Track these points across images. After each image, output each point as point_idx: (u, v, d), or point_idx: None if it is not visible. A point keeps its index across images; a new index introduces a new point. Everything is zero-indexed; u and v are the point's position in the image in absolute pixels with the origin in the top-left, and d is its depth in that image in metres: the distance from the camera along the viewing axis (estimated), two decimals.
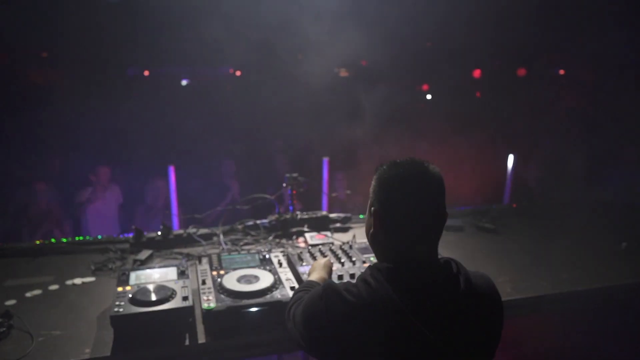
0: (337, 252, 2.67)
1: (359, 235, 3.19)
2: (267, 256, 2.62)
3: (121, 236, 3.18)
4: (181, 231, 3.15)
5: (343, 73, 19.23)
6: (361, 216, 3.69)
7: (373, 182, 1.56)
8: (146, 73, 17.79)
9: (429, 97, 13.23)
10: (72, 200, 5.57)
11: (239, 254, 2.67)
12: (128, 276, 2.40)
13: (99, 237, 3.17)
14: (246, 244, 3.08)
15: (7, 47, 14.41)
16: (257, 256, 2.64)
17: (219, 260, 2.56)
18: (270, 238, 3.17)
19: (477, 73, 13.55)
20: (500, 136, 8.35)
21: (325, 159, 4.66)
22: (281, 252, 2.74)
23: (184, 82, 17.47)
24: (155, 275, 2.42)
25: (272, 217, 3.34)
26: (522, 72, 11.50)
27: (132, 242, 3.01)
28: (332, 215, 3.48)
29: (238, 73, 18.70)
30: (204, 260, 2.59)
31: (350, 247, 2.77)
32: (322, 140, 7.77)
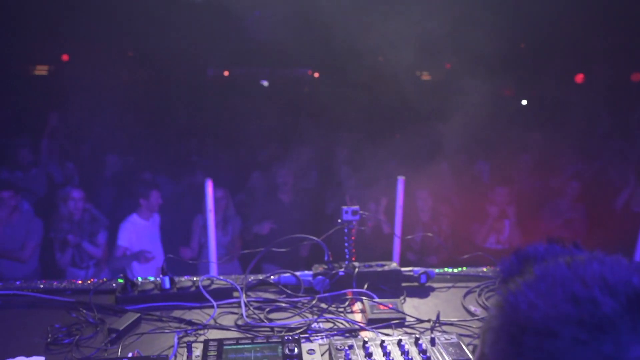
0: (408, 350, 1.57)
1: (445, 306, 2.07)
2: (295, 350, 1.58)
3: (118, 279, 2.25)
4: (189, 281, 2.16)
5: (425, 76, 17.81)
6: (457, 270, 2.53)
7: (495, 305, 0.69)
8: (226, 73, 17.46)
9: (524, 102, 11.62)
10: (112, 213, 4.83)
11: (253, 344, 1.64)
12: None
13: (78, 282, 2.26)
14: (277, 308, 2.05)
15: (95, 46, 14.47)
16: (279, 349, 1.60)
17: (220, 354, 1.55)
18: (314, 302, 2.10)
19: (579, 78, 11.70)
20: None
21: (401, 179, 3.53)
22: (323, 336, 1.69)
23: (264, 83, 16.97)
24: None
25: (319, 268, 2.28)
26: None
27: (118, 293, 2.07)
28: (406, 269, 2.34)
29: (316, 75, 17.90)
30: (197, 350, 1.59)
31: (433, 342, 1.65)
32: (397, 149, 6.59)
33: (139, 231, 4.56)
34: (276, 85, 16.35)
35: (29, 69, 15.07)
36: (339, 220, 2.35)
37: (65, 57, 14.83)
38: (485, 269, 2.53)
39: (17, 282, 2.22)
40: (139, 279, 2.25)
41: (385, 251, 3.86)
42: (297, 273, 2.26)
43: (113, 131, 7.46)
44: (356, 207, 2.34)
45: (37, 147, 6.30)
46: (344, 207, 2.34)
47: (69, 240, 4.40)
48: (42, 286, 2.20)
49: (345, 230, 2.34)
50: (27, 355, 1.72)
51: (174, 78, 14.73)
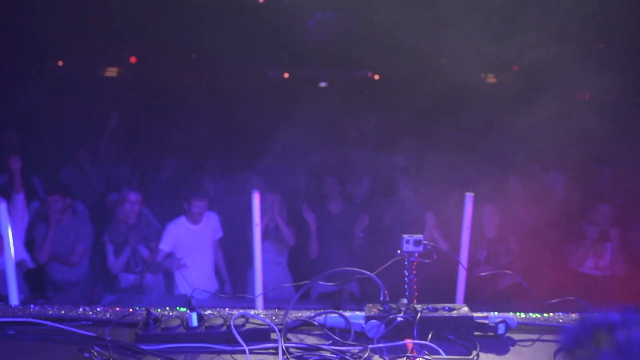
0: None
1: None
2: None
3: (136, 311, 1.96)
4: (220, 319, 1.83)
5: (490, 79, 16.87)
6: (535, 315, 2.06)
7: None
8: (286, 75, 17.36)
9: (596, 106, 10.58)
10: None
11: None
12: None
13: (99, 311, 1.98)
14: (322, 359, 1.69)
15: (161, 48, 14.76)
16: None
17: None
18: (367, 354, 1.71)
19: None
20: None
21: (470, 195, 3.07)
22: None
23: (322, 84, 16.72)
24: None
25: (373, 309, 1.89)
26: None
27: (139, 330, 1.78)
28: (479, 316, 1.89)
29: (377, 77, 17.42)
30: None
31: None
32: (459, 157, 6.03)
33: (185, 235, 4.33)
34: (335, 87, 16.02)
35: (99, 71, 15.59)
36: (398, 252, 1.94)
37: (133, 59, 15.25)
38: (577, 316, 2.04)
39: (36, 307, 1.99)
40: (165, 310, 1.95)
41: (446, 279, 3.40)
42: (347, 314, 1.87)
43: (172, 133, 7.40)
44: (419, 237, 1.93)
45: (97, 147, 6.31)
46: (405, 236, 1.94)
47: (127, 243, 4.23)
48: (62, 312, 1.95)
49: (406, 264, 1.93)
50: None
51: (235, 80, 14.80)
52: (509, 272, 3.10)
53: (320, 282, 1.98)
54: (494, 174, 5.83)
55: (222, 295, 3.26)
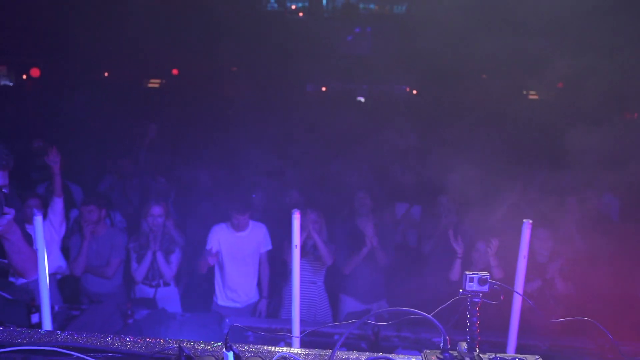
0: None
1: None
2: None
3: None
4: (258, 359, 1.63)
5: (532, 96, 16.30)
6: None
7: None
8: (323, 89, 17.29)
9: None
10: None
11: None
12: None
13: (128, 342, 1.81)
14: None
15: (204, 61, 14.93)
16: None
17: None
18: None
19: None
20: None
21: (527, 222, 2.79)
22: None
23: (361, 99, 16.56)
24: None
25: (431, 357, 1.65)
26: None
27: None
28: None
29: (415, 92, 17.14)
30: None
31: None
32: (506, 176, 5.68)
33: (227, 241, 4.17)
34: (373, 102, 15.84)
35: (143, 82, 15.94)
36: (460, 291, 1.71)
37: (175, 72, 15.53)
38: None
39: (63, 334, 1.84)
40: (199, 344, 1.76)
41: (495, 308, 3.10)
42: (400, 357, 1.65)
43: (208, 145, 7.34)
44: (485, 275, 1.69)
45: (136, 158, 6.29)
46: (468, 274, 1.69)
47: (147, 254, 4.11)
48: (90, 341, 1.79)
49: (469, 305, 1.69)
50: None
51: (274, 93, 14.83)
52: (586, 318, 2.77)
53: (369, 321, 1.74)
54: (548, 195, 5.48)
55: (262, 332, 3.05)
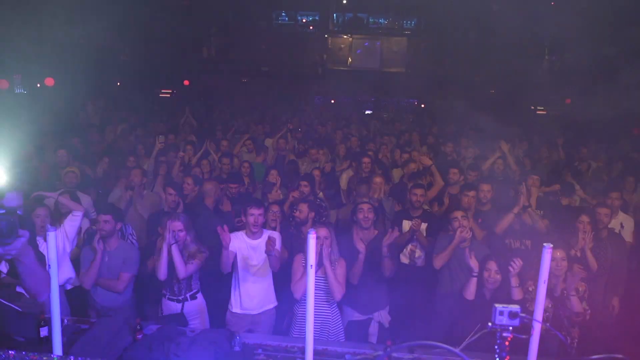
0: None
1: None
2: None
3: None
4: None
5: (540, 111, 16.20)
6: None
7: None
8: (332, 101, 17.29)
9: None
10: None
11: None
12: None
13: None
14: None
15: (214, 72, 14.97)
16: None
17: None
18: None
19: None
20: None
21: (548, 247, 2.68)
22: None
23: (367, 112, 16.55)
24: None
25: None
26: None
27: None
28: None
29: (422, 105, 17.11)
30: None
31: None
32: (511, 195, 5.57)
33: (242, 248, 4.09)
34: (380, 114, 15.81)
35: (155, 92, 16.02)
36: (489, 324, 1.62)
37: (186, 82, 15.62)
38: None
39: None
40: None
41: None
42: None
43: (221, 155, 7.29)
44: (516, 308, 1.60)
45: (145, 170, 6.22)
46: (498, 306, 1.61)
47: (163, 249, 3.97)
48: None
49: (498, 340, 1.60)
50: None
51: (282, 105, 14.89)
52: (620, 356, 2.61)
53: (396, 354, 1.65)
54: (560, 216, 5.37)
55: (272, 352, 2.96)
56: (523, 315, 1.60)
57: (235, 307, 4.14)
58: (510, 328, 1.60)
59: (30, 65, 11.18)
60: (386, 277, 4.18)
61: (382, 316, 4.25)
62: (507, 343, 1.60)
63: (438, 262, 4.31)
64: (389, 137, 9.48)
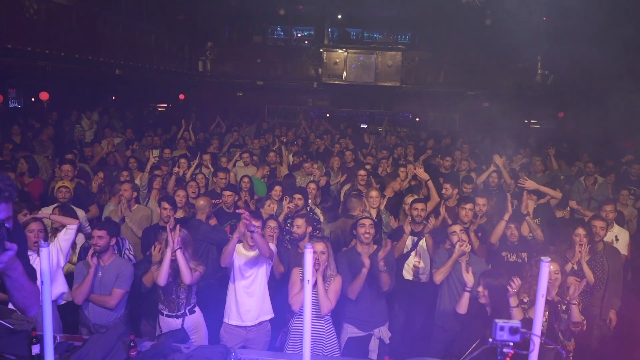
0: None
1: None
2: None
3: None
4: None
5: (533, 125, 16.34)
6: None
7: None
8: (327, 115, 17.34)
9: None
10: None
11: None
12: None
13: None
14: None
15: (209, 90, 14.98)
16: None
17: None
18: None
19: None
20: None
21: (545, 260, 2.68)
22: None
23: (364, 126, 16.64)
24: None
25: None
26: None
27: None
28: None
29: (417, 119, 17.20)
30: None
31: None
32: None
33: (239, 258, 4.06)
34: (375, 127, 15.91)
35: (150, 107, 16.07)
36: (490, 340, 1.60)
37: (181, 96, 15.68)
38: None
39: None
40: None
41: None
42: None
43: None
44: (517, 324, 1.59)
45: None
46: (498, 322, 1.59)
47: (166, 253, 3.91)
48: None
49: (499, 357, 1.59)
50: None
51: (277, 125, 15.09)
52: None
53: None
54: (555, 228, 5.39)
55: None
56: (524, 330, 1.59)
57: (231, 318, 4.09)
58: (511, 344, 1.59)
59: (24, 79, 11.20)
60: (384, 292, 4.14)
61: (382, 332, 4.20)
62: (507, 359, 1.58)
63: (438, 277, 4.28)
64: (387, 150, 9.52)
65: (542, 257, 2.78)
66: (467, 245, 4.15)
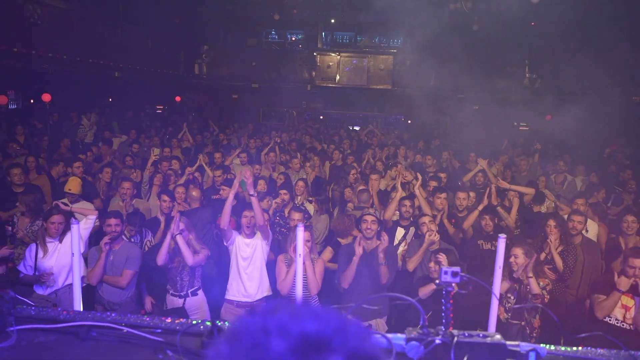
0: None
1: None
2: None
3: (206, 322, 2.21)
4: None
5: (523, 128, 16.89)
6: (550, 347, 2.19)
7: None
8: (321, 117, 17.88)
9: None
10: None
11: None
12: None
13: (169, 320, 2.23)
14: None
15: (204, 91, 15.46)
16: None
17: None
18: None
19: None
20: None
21: (502, 237, 3.21)
22: None
23: (356, 128, 17.18)
24: None
25: (412, 332, 2.06)
26: None
27: (205, 338, 2.01)
28: (512, 344, 2.05)
29: (409, 122, 17.73)
30: None
31: None
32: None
33: (238, 244, 4.58)
34: (367, 129, 16.46)
35: (149, 108, 16.56)
36: (437, 282, 2.14)
37: (178, 99, 16.19)
38: (603, 351, 2.16)
39: (113, 314, 2.25)
40: (227, 323, 2.18)
41: (480, 310, 3.50)
42: (389, 336, 2.06)
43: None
44: (457, 268, 2.12)
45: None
46: (443, 268, 2.13)
47: (166, 237, 4.42)
48: (136, 321, 2.20)
49: (444, 293, 2.12)
50: None
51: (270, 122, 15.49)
52: (539, 305, 3.17)
53: (365, 306, 2.15)
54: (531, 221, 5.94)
55: None
56: (463, 274, 2.12)
57: (232, 294, 4.58)
58: (453, 284, 2.12)
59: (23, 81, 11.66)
60: (383, 284, 4.46)
61: (379, 324, 4.54)
62: (451, 296, 2.11)
63: (411, 265, 4.76)
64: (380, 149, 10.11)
65: (500, 235, 3.34)
66: (435, 235, 4.63)
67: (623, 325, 3.91)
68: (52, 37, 9.62)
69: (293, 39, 18.60)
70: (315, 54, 16.21)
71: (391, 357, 1.98)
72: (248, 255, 4.60)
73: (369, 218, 4.67)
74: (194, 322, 2.20)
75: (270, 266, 4.91)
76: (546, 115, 14.09)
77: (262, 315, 0.59)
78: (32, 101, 12.92)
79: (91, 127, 11.03)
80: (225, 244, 4.66)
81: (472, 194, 6.22)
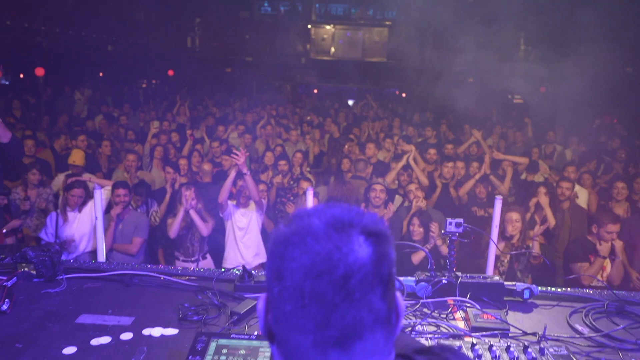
0: (518, 356, 1.62)
1: (550, 323, 2.05)
2: None
3: (234, 270, 2.49)
4: None
5: (517, 100, 17.14)
6: (539, 288, 2.49)
7: None
8: (315, 91, 18.00)
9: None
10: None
11: None
12: (206, 346, 1.64)
13: (201, 270, 2.50)
14: None
15: (199, 63, 15.43)
16: None
17: None
18: (418, 306, 2.19)
19: None
20: None
21: (499, 198, 3.50)
22: (427, 337, 1.76)
23: (350, 102, 17.35)
24: (241, 351, 1.63)
25: (422, 275, 2.35)
26: None
27: (237, 282, 2.28)
28: (509, 284, 2.35)
29: (404, 95, 17.93)
30: None
31: (542, 352, 1.67)
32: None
33: (235, 214, 4.86)
34: (362, 102, 16.63)
35: (140, 82, 16.57)
36: (442, 232, 2.42)
37: (170, 72, 16.20)
38: (590, 291, 2.47)
39: (150, 265, 2.51)
40: (254, 272, 2.45)
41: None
42: (401, 278, 2.35)
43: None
44: (460, 220, 2.41)
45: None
46: (448, 219, 2.41)
47: (180, 211, 4.66)
48: (172, 269, 2.47)
49: (449, 241, 2.41)
50: (164, 327, 1.96)
51: (265, 95, 15.61)
52: (535, 253, 3.48)
53: None
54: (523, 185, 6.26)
55: None
56: (465, 225, 2.41)
57: (230, 263, 4.84)
58: (457, 234, 2.41)
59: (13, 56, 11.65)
60: None
61: None
62: (455, 243, 2.40)
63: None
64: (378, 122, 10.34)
65: (496, 195, 3.62)
66: (422, 201, 4.89)
67: (599, 283, 4.25)
68: (45, 10, 9.62)
69: (285, 10, 18.56)
70: (309, 26, 16.23)
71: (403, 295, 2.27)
72: (244, 226, 4.87)
73: (378, 187, 4.93)
74: (222, 269, 2.48)
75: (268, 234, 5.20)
76: (540, 87, 14.33)
77: (309, 209, 0.85)
78: (21, 76, 12.91)
79: (85, 102, 11.11)
80: (220, 214, 4.91)
81: (460, 164, 6.46)
